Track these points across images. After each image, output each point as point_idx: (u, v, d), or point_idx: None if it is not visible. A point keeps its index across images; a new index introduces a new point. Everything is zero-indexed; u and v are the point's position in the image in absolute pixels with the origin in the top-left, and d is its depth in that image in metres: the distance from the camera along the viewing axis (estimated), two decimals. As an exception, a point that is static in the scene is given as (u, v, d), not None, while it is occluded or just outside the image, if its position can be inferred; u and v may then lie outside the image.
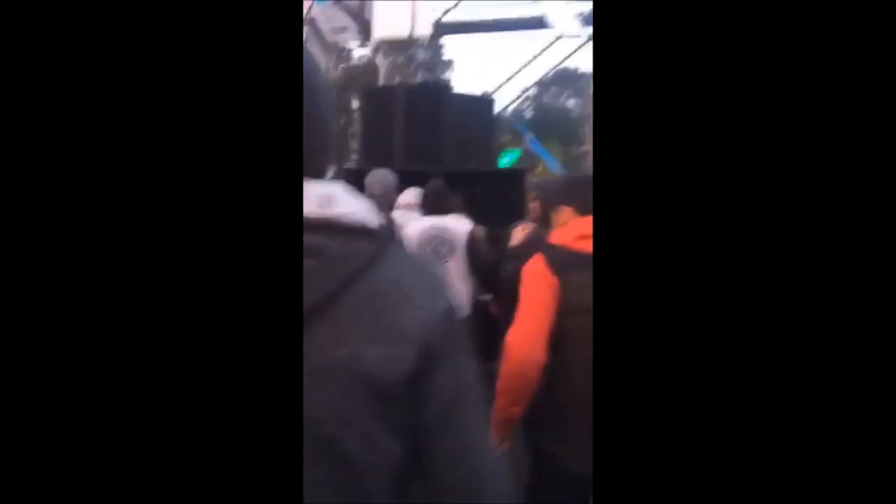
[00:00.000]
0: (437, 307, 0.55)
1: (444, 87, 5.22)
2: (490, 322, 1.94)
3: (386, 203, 2.10)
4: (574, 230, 1.22)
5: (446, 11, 5.07)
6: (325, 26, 4.94)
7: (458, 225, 2.00)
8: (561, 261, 1.15)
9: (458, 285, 2.00)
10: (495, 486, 0.63)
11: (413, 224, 2.01)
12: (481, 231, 2.08)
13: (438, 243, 1.99)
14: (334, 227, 0.55)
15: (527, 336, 1.14)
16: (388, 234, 0.61)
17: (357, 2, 4.89)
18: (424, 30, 4.77)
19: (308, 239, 0.55)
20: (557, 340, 1.10)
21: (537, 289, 1.16)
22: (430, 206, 2.02)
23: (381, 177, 2.22)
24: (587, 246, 1.13)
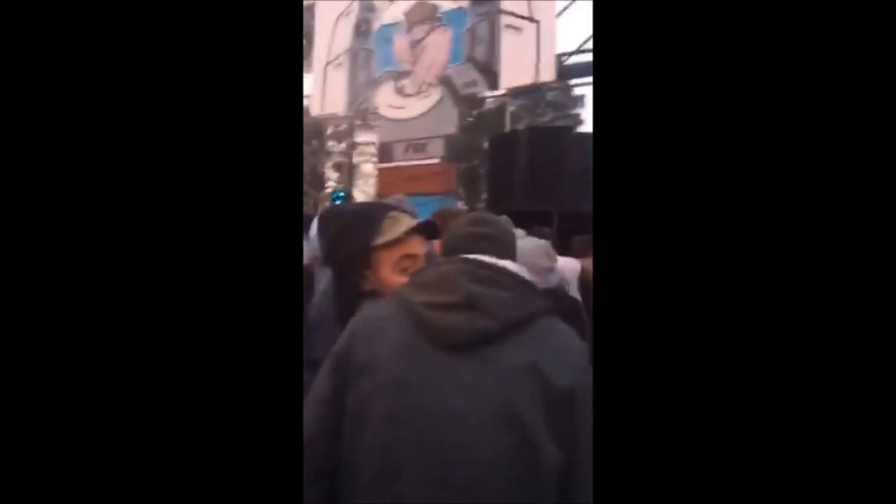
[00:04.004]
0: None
1: (568, 128, 5.32)
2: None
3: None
4: None
5: (570, 55, 5.23)
6: (458, 82, 5.49)
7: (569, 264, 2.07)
8: None
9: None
10: None
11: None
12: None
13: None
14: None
15: None
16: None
17: (486, 58, 5.35)
18: (549, 76, 4.97)
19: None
20: None
21: None
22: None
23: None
24: None
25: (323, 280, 2.03)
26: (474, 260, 0.79)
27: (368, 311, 0.82)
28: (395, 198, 2.40)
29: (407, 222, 0.98)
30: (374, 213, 1.02)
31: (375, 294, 0.97)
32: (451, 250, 0.84)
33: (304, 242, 2.98)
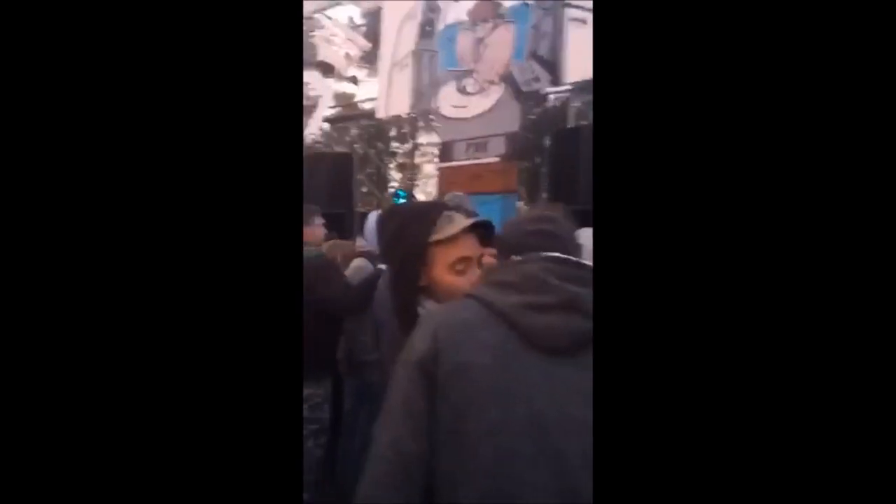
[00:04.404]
0: None
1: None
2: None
3: None
4: None
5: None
6: (520, 79, 5.45)
7: None
8: None
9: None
10: None
11: None
12: None
13: None
14: None
15: None
16: None
17: (550, 53, 5.25)
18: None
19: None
20: None
21: None
22: None
23: None
24: None
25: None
26: (556, 257, 0.76)
27: (449, 315, 0.79)
28: (455, 196, 2.41)
29: (462, 221, 0.99)
30: (430, 212, 1.04)
31: (431, 292, 0.99)
32: (514, 248, 0.81)
33: (359, 237, 3.00)
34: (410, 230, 1.01)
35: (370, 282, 2.24)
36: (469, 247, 0.98)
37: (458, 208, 2.16)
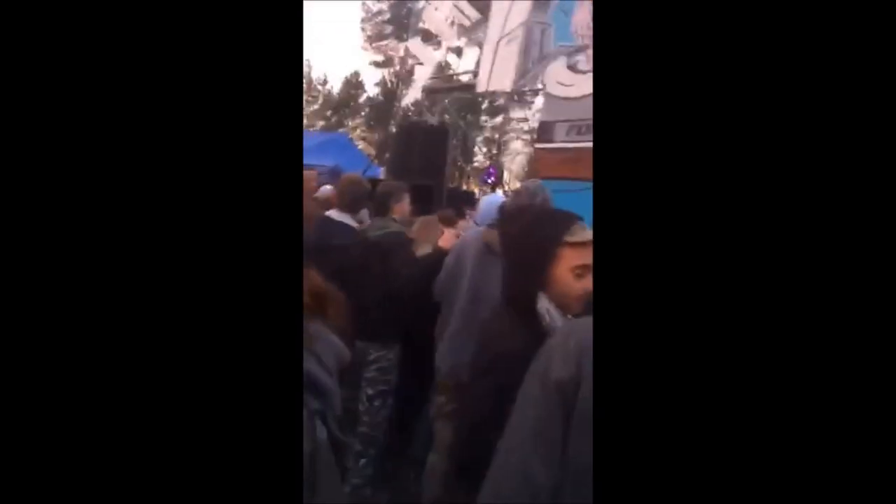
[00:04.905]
0: None
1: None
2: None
3: None
4: None
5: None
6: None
7: None
8: None
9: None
10: None
11: None
12: None
13: None
14: None
15: None
16: None
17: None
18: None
19: None
20: None
21: None
22: None
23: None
24: None
25: (463, 289, 2.21)
26: None
27: (575, 328, 0.80)
28: (534, 182, 2.45)
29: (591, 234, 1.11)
30: (566, 217, 1.16)
31: (549, 289, 1.10)
32: None
33: (466, 221, 3.13)
34: (544, 229, 1.13)
35: (432, 264, 2.35)
36: (590, 257, 1.08)
37: (535, 194, 2.23)
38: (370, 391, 2.45)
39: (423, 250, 2.53)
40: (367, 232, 2.53)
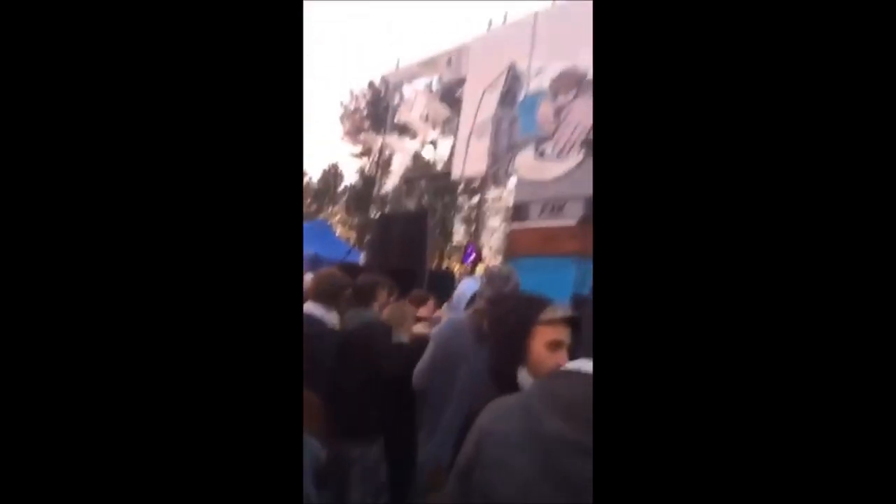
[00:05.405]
0: None
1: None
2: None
3: None
4: None
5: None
6: (602, 146, 5.44)
7: None
8: None
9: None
10: None
11: None
12: None
13: None
14: None
15: None
16: None
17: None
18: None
19: None
20: None
21: None
22: None
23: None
24: None
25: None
26: None
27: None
28: (506, 267, 2.50)
29: (563, 310, 1.28)
30: (539, 300, 1.32)
31: (527, 363, 1.21)
32: None
33: (447, 304, 3.11)
34: (521, 311, 1.28)
35: (412, 353, 2.33)
36: (562, 332, 1.24)
37: (508, 279, 2.34)
38: (360, 491, 2.29)
39: (396, 336, 2.50)
40: (345, 324, 2.50)
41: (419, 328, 2.48)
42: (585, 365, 0.84)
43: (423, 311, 2.71)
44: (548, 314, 1.25)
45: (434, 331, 2.40)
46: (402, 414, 2.36)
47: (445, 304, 2.97)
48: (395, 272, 2.83)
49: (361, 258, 6.33)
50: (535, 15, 6.39)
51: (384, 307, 2.65)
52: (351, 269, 3.41)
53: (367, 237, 8.15)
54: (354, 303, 2.58)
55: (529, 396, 0.88)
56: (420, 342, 2.38)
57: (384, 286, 2.62)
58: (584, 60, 5.66)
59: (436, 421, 2.21)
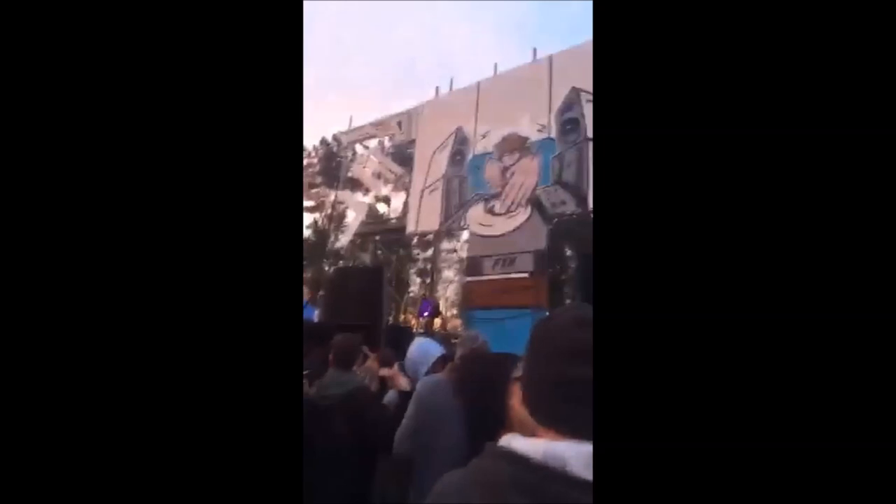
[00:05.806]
0: None
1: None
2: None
3: None
4: None
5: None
6: (547, 202, 5.77)
7: None
8: None
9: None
10: None
11: None
12: None
13: None
14: None
15: None
16: None
17: (575, 180, 5.62)
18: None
19: None
20: None
21: None
22: None
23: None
24: None
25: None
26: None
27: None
28: (471, 332, 2.50)
29: None
30: (508, 358, 1.33)
31: (508, 422, 1.19)
32: None
33: (399, 365, 3.00)
34: (496, 371, 1.27)
35: (393, 417, 2.23)
36: None
37: (475, 340, 2.30)
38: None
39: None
40: (326, 390, 2.36)
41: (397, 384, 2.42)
42: (514, 441, 0.83)
43: (384, 371, 2.67)
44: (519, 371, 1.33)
45: (415, 392, 2.35)
46: (396, 481, 2.25)
47: (397, 364, 2.92)
48: (352, 327, 2.77)
49: (316, 314, 6.17)
50: (478, 84, 6.89)
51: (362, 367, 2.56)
52: (308, 327, 3.32)
53: (321, 292, 7.98)
54: (335, 364, 2.44)
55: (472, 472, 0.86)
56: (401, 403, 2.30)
57: (360, 346, 2.52)
58: (524, 126, 6.12)
59: (422, 484, 2.14)
